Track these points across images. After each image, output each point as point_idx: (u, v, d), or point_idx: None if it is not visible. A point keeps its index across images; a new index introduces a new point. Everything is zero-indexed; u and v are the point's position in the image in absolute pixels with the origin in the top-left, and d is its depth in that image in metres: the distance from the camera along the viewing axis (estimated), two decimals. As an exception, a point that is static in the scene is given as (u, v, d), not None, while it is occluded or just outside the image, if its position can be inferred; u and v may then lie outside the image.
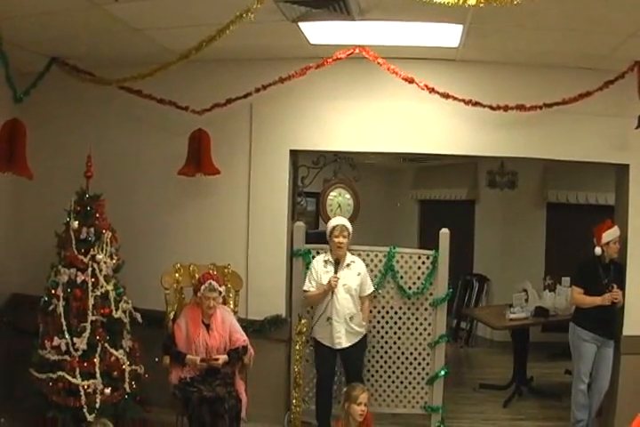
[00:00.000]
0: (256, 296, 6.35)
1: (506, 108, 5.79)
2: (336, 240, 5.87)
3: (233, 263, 6.14)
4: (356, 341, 5.92)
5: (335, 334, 5.81)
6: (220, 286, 5.59)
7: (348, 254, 6.00)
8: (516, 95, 5.83)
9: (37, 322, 5.47)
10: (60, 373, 5.20)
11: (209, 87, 6.33)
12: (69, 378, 5.19)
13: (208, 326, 5.57)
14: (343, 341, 5.84)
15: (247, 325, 6.06)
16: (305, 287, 5.96)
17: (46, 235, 5.62)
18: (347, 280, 5.83)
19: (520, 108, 5.78)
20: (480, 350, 10.05)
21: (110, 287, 5.52)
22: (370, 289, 6.06)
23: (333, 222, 5.98)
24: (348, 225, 5.99)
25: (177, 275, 5.95)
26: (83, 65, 6.09)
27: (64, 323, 5.28)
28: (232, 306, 6.01)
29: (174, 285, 5.93)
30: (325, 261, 5.94)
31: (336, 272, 5.81)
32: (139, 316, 5.73)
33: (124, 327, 5.63)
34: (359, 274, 5.96)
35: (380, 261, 6.30)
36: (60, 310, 5.30)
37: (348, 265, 5.91)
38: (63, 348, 5.24)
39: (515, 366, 7.77)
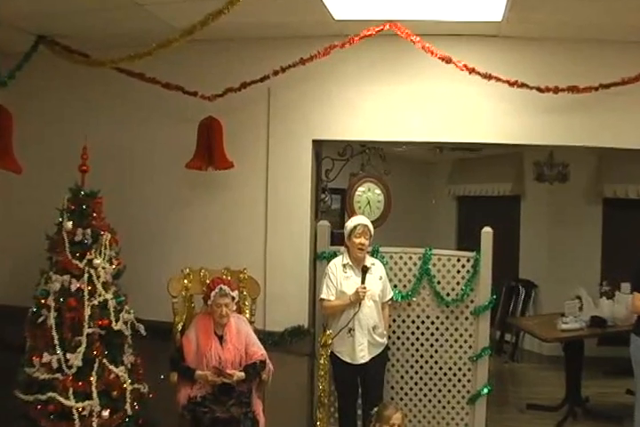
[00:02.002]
0: (275, 305, 6.30)
1: (556, 90, 5.65)
2: (357, 241, 5.79)
3: (249, 268, 6.09)
4: (378, 353, 5.85)
5: (358, 346, 5.73)
6: (233, 290, 5.54)
7: (367, 256, 5.94)
8: (567, 75, 5.71)
9: (24, 336, 5.41)
10: (51, 394, 5.11)
11: (221, 70, 6.29)
12: (61, 399, 5.10)
13: (221, 338, 5.52)
14: (366, 354, 5.77)
15: (265, 337, 6.01)
16: (323, 295, 5.86)
17: (35, 237, 5.57)
18: (369, 286, 5.74)
19: (572, 89, 5.64)
20: (527, 366, 9.99)
21: (109, 296, 5.45)
22: (390, 294, 6.04)
23: (355, 221, 5.89)
24: (371, 225, 5.92)
25: (186, 281, 5.91)
26: (76, 45, 6.04)
27: (56, 337, 5.20)
28: (248, 316, 5.95)
29: (183, 292, 5.89)
30: (344, 265, 5.87)
31: (363, 282, 5.71)
32: (142, 328, 5.65)
33: (126, 341, 5.57)
34: (381, 278, 5.92)
35: (415, 264, 6.24)
36: (52, 322, 5.23)
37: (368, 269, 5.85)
38: (54, 365, 5.15)
39: (567, 385, 7.67)
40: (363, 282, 5.70)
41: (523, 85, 5.68)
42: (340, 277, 5.82)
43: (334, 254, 6.06)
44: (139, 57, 5.35)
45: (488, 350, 6.23)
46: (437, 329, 6.27)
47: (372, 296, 5.77)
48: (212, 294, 5.45)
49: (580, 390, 7.64)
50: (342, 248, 6.04)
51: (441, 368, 6.28)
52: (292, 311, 6.29)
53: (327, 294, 5.84)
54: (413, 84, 6.14)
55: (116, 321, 5.45)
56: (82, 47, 6.04)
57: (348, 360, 5.78)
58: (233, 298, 5.53)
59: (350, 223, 5.89)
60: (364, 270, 5.73)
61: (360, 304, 5.69)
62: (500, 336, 10.35)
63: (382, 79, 6.17)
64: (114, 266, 5.60)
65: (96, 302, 5.35)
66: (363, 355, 5.75)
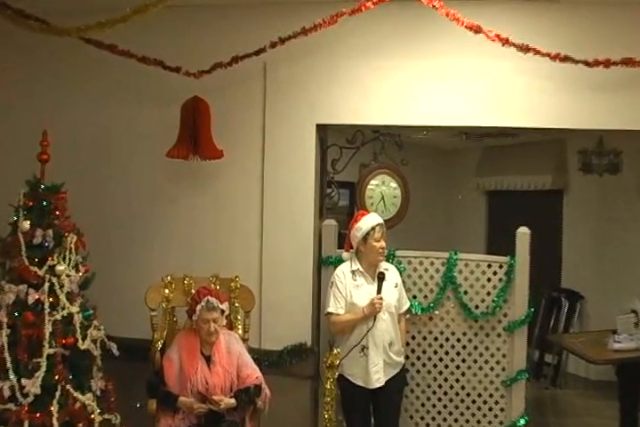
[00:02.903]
0: (272, 319, 6.31)
1: (607, 64, 5.59)
2: (378, 245, 5.76)
3: (242, 275, 6.08)
4: (394, 374, 5.83)
5: (372, 368, 5.70)
6: (223, 302, 5.50)
7: None
8: (621, 46, 5.66)
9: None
10: (2, 428, 5.09)
11: (208, 42, 6.31)
12: (15, 435, 5.06)
13: (209, 359, 5.50)
14: (382, 376, 5.73)
15: (261, 357, 6.02)
16: (331, 309, 5.81)
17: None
18: (384, 295, 5.70)
19: (627, 62, 5.57)
20: (572, 393, 9.98)
21: (75, 309, 5.38)
22: (407, 304, 6.03)
23: (370, 221, 5.83)
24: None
25: (167, 291, 5.90)
26: (32, 9, 5.97)
27: (8, 359, 5.12)
28: (240, 332, 5.94)
29: (163, 304, 5.88)
30: (353, 272, 5.83)
31: (379, 291, 5.67)
32: (114, 347, 5.62)
33: (94, 363, 5.51)
34: (396, 286, 5.90)
35: (437, 270, 6.24)
36: (3, 340, 5.16)
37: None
38: (7, 393, 5.06)
39: (622, 416, 7.58)
40: (379, 292, 5.66)
41: (566, 59, 5.62)
42: (349, 287, 5.78)
43: (342, 259, 6.01)
44: (110, 25, 5.31)
45: (525, 374, 6.21)
46: (464, 348, 6.25)
47: (388, 307, 5.74)
48: (198, 307, 5.41)
49: (637, 422, 7.58)
50: (345, 253, 6.00)
51: (469, 395, 6.26)
52: (293, 327, 6.30)
53: (335, 307, 5.78)
54: (436, 58, 6.12)
55: (83, 339, 5.37)
56: (39, 12, 5.96)
57: (361, 384, 5.75)
58: (222, 311, 5.50)
59: (365, 224, 5.82)
60: (381, 278, 5.70)
61: (375, 318, 5.65)
62: (540, 357, 10.35)
63: (399, 53, 6.16)
64: (80, 273, 5.53)
65: (59, 317, 5.27)
66: (378, 377, 5.72)
